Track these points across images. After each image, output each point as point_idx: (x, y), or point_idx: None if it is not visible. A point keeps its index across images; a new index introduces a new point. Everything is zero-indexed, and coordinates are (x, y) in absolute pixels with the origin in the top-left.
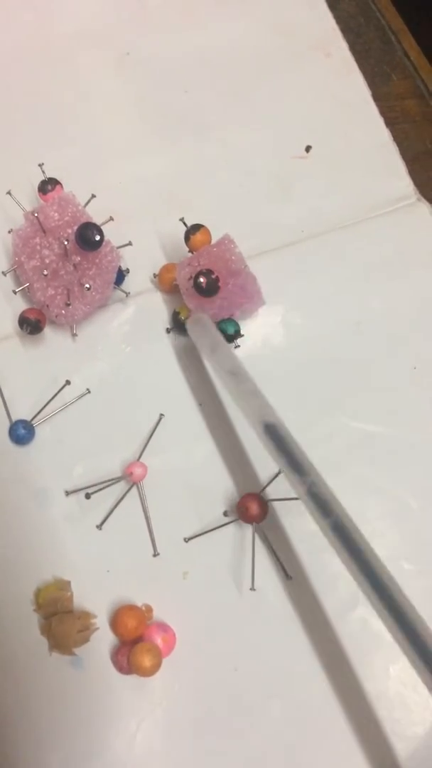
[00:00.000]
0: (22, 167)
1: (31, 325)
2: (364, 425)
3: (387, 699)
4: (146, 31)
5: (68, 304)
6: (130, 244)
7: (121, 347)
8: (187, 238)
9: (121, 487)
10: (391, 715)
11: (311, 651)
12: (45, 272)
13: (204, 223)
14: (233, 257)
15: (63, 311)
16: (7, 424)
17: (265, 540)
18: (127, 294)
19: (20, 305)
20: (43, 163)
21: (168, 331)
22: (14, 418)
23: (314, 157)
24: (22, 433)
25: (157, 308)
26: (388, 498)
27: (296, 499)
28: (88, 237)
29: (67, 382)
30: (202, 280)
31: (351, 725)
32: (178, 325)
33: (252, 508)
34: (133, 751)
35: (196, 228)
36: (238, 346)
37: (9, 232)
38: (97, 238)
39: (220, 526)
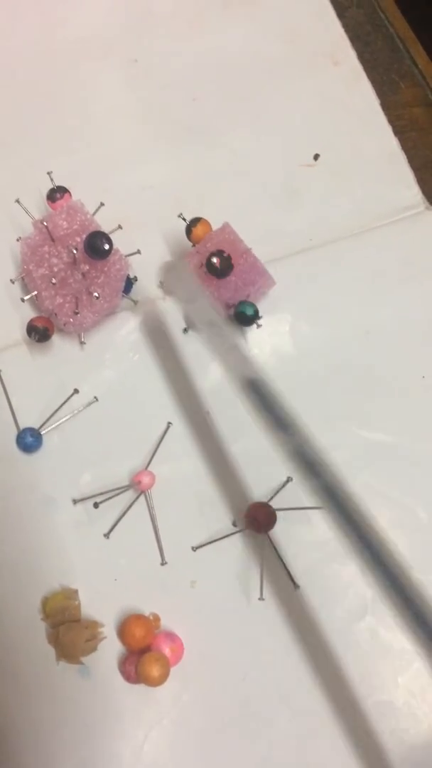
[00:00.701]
0: (30, 175)
1: (39, 333)
2: (373, 434)
3: (395, 708)
4: (155, 38)
5: (76, 313)
6: (138, 252)
7: (129, 355)
8: (188, 232)
9: (128, 495)
10: (399, 725)
11: (319, 660)
12: (53, 281)
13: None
14: (237, 239)
15: (71, 319)
16: (14, 432)
17: (273, 549)
18: (136, 302)
19: (28, 313)
20: (51, 171)
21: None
22: (22, 426)
23: (322, 165)
24: (29, 441)
25: (164, 318)
26: (397, 507)
27: (303, 508)
28: (97, 246)
29: (76, 391)
30: (215, 260)
31: (359, 734)
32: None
33: (260, 518)
34: (140, 760)
35: (195, 221)
36: (260, 325)
37: (17, 240)
38: (106, 247)
39: (227, 536)
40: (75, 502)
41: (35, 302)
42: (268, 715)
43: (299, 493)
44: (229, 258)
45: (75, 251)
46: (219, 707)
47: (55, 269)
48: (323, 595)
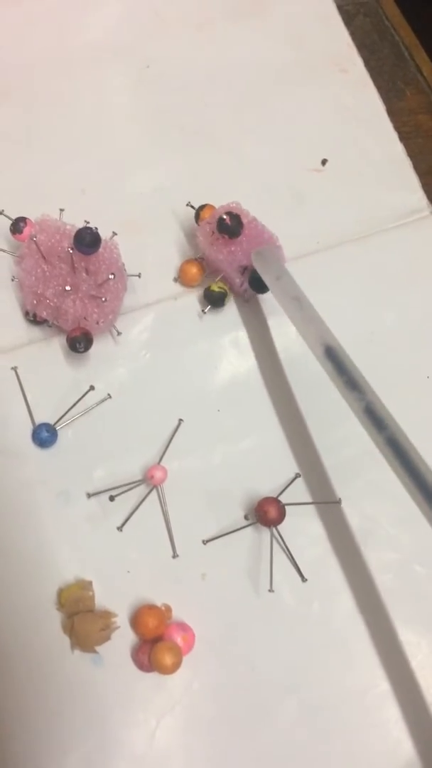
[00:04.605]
0: None
1: (84, 341)
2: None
3: (400, 699)
4: (166, 45)
5: (104, 300)
6: (139, 276)
7: (141, 353)
8: (197, 216)
9: (141, 489)
10: (404, 715)
11: (326, 651)
12: (67, 287)
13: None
14: (241, 210)
15: (99, 313)
16: (30, 427)
17: (282, 543)
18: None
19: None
20: (3, 210)
21: (203, 312)
22: (38, 421)
23: (329, 170)
24: (45, 436)
25: (174, 317)
26: (402, 504)
27: (312, 503)
28: (88, 238)
29: (92, 387)
30: (225, 217)
31: (366, 725)
32: (212, 300)
33: (271, 512)
34: (152, 746)
35: (203, 206)
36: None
37: (12, 280)
38: (92, 236)
39: (238, 529)
40: (89, 496)
41: (59, 322)
42: (276, 703)
43: (307, 488)
44: (239, 216)
45: (71, 251)
46: (229, 695)
47: (61, 279)
48: (330, 588)
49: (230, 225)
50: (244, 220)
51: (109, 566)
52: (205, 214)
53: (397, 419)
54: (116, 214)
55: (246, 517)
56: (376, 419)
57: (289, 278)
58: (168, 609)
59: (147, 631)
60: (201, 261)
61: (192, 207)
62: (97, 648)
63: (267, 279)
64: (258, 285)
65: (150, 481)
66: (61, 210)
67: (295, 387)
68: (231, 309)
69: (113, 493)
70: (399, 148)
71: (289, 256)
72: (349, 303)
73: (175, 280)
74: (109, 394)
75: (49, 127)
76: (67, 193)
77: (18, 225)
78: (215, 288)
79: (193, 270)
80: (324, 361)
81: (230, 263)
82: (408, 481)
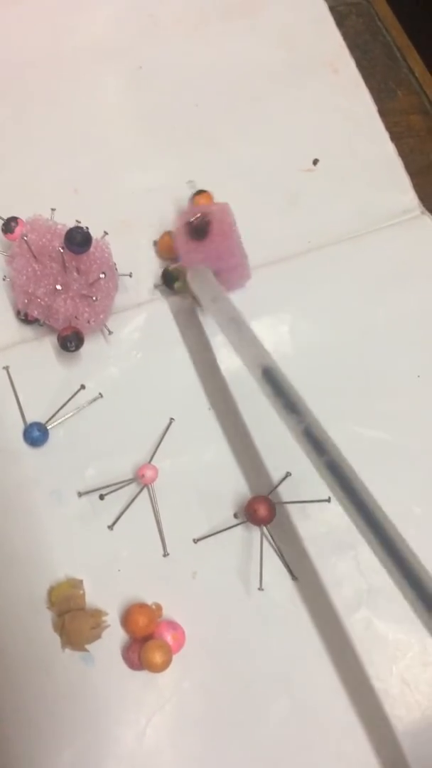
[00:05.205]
0: None
1: (75, 340)
2: (369, 432)
3: (390, 697)
4: (159, 45)
5: (95, 299)
6: (130, 275)
7: (132, 353)
8: (191, 199)
9: (132, 488)
10: (393, 713)
11: (317, 650)
12: (58, 287)
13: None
14: (228, 221)
15: (90, 312)
16: (22, 426)
17: (272, 541)
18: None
19: None
20: None
21: (155, 286)
22: (29, 420)
23: (320, 170)
24: (36, 435)
25: (165, 317)
26: (392, 503)
27: (303, 502)
28: (74, 236)
29: (83, 387)
30: (193, 219)
31: (355, 722)
32: (167, 281)
33: (261, 511)
34: (142, 744)
35: (201, 191)
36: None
37: (3, 280)
38: (83, 236)
39: (228, 528)
40: (80, 495)
41: (50, 321)
42: (266, 701)
43: (297, 487)
44: (208, 223)
45: (62, 250)
46: (219, 694)
47: (52, 279)
48: (320, 587)
49: (195, 226)
50: (224, 227)
51: (99, 565)
52: (200, 199)
53: (388, 417)
54: (108, 214)
55: (236, 516)
56: (315, 442)
57: (225, 299)
58: (158, 607)
59: (137, 629)
60: None
61: (193, 186)
62: (88, 646)
63: (203, 299)
64: (169, 278)
65: (141, 480)
66: (53, 210)
67: None
68: None
69: (104, 492)
70: (390, 148)
71: (280, 256)
72: (341, 302)
73: (154, 244)
74: (100, 393)
75: (41, 127)
76: (59, 193)
77: (9, 224)
78: (172, 270)
79: (170, 240)
80: (262, 384)
81: (187, 262)
82: (348, 505)
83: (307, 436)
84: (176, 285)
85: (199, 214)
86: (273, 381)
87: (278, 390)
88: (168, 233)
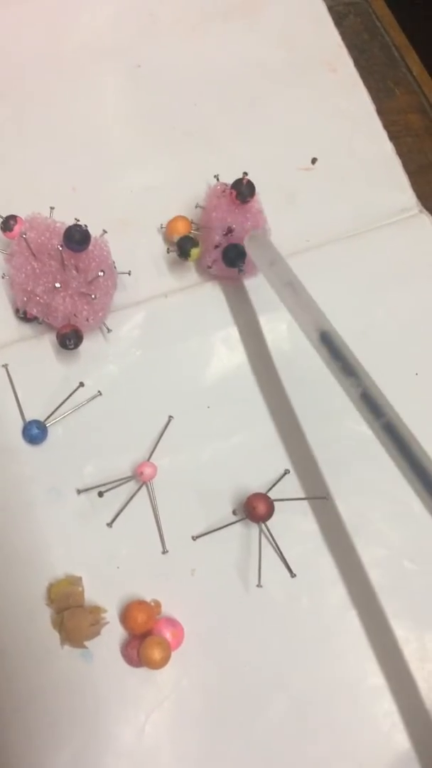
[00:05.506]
0: None
1: (74, 337)
2: (369, 430)
3: (388, 693)
4: (157, 44)
5: (94, 297)
6: (129, 273)
7: (131, 351)
8: (186, 253)
9: (131, 486)
10: (391, 708)
11: (315, 646)
12: (57, 285)
13: None
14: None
15: (89, 310)
16: (20, 424)
17: (271, 539)
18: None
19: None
20: None
21: (168, 251)
22: (28, 418)
23: (319, 168)
24: (35, 432)
25: (165, 315)
26: (391, 500)
27: (301, 499)
28: (73, 234)
29: (81, 384)
30: (244, 176)
31: (355, 719)
32: (182, 251)
33: (259, 508)
34: (141, 741)
35: (178, 216)
36: (242, 270)
37: (2, 278)
38: (82, 234)
39: (227, 525)
40: (79, 492)
41: (49, 319)
42: (265, 698)
43: (296, 484)
44: (253, 187)
45: (61, 248)
46: (218, 691)
47: (51, 277)
48: (318, 583)
49: (245, 186)
50: (253, 202)
51: (98, 562)
52: (177, 225)
53: None
54: (107, 213)
55: (234, 513)
56: (372, 405)
57: (283, 263)
58: (157, 604)
59: (136, 626)
60: (190, 221)
61: (216, 179)
62: (87, 643)
63: (260, 264)
64: (229, 260)
65: (139, 477)
66: (52, 208)
67: (286, 383)
68: (221, 305)
69: (103, 489)
70: (389, 147)
71: None
72: (339, 301)
73: (161, 228)
74: (99, 391)
75: (40, 126)
76: (58, 192)
77: (8, 223)
78: (193, 236)
79: (179, 225)
80: (319, 347)
81: (221, 219)
82: (406, 468)
83: (364, 398)
84: (192, 252)
85: (246, 176)
86: (330, 344)
87: (335, 354)
88: (181, 217)
